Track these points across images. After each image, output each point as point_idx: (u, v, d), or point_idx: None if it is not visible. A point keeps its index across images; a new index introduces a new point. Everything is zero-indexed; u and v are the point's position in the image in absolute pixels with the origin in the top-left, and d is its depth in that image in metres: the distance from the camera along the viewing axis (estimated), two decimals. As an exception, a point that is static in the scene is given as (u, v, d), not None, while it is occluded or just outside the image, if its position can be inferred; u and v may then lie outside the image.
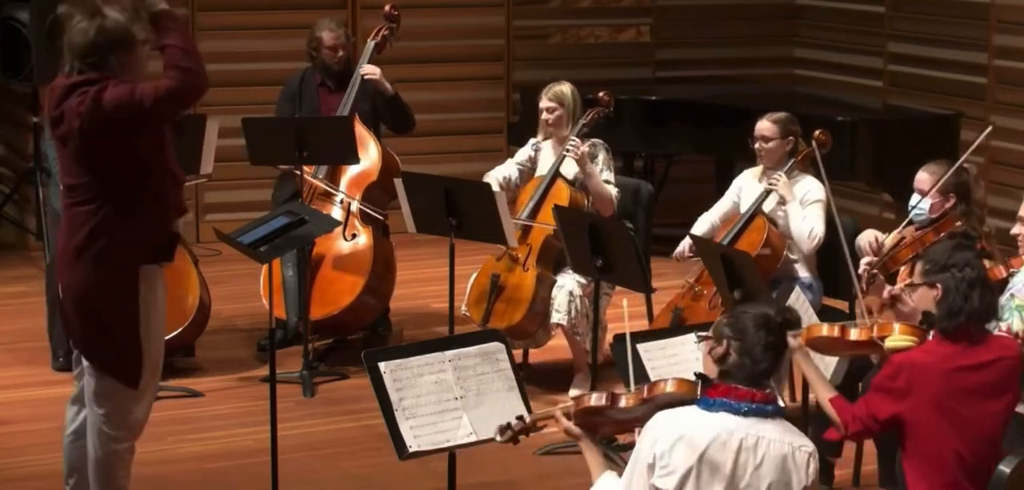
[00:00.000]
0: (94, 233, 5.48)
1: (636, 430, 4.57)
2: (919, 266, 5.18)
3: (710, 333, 4.50)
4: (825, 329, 5.34)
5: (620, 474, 4.50)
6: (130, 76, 5.44)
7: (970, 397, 4.98)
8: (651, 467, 4.34)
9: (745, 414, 4.36)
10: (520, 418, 4.80)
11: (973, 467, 4.99)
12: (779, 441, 4.37)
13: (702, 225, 7.56)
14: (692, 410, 4.40)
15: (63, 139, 5.50)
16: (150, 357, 5.63)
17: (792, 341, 5.27)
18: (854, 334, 5.29)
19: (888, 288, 5.97)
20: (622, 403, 4.63)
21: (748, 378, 4.38)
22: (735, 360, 4.39)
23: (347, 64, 8.41)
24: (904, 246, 6.28)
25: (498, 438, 4.81)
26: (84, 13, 5.42)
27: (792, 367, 6.66)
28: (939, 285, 5.05)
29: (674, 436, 4.33)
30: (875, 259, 6.33)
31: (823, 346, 5.40)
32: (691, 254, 7.41)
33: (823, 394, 5.16)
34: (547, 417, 4.79)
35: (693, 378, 4.51)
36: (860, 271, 6.30)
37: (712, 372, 4.45)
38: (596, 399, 4.67)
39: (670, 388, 4.52)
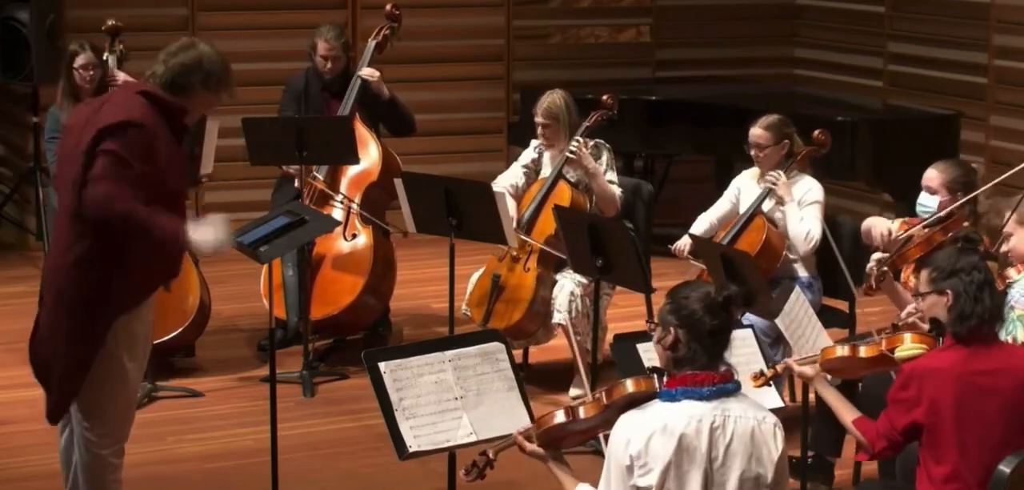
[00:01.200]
0: (77, 264, 5.48)
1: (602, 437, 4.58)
2: (925, 274, 5.14)
3: (656, 321, 4.51)
4: (838, 351, 5.37)
5: (596, 482, 4.50)
6: (188, 105, 5.54)
7: (984, 402, 4.95)
8: (629, 469, 4.35)
9: (708, 397, 4.38)
10: (483, 454, 4.81)
11: (986, 479, 4.97)
12: (744, 417, 4.40)
13: (701, 225, 7.56)
14: (656, 405, 4.41)
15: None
16: (129, 387, 5.65)
17: (809, 370, 5.29)
18: (864, 351, 5.31)
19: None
20: (582, 413, 4.61)
21: (703, 363, 4.41)
22: (686, 350, 4.41)
23: (341, 75, 8.35)
24: (913, 245, 6.26)
25: (464, 477, 4.82)
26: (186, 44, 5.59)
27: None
28: (949, 291, 5.03)
29: (647, 433, 4.34)
30: (885, 256, 6.31)
31: (838, 368, 5.42)
32: (690, 254, 7.42)
33: (846, 417, 5.19)
34: (510, 445, 4.79)
35: (649, 374, 4.51)
36: (869, 268, 6.28)
37: (664, 360, 4.47)
38: (558, 417, 4.65)
39: (629, 388, 4.50)
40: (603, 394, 4.57)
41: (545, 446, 4.68)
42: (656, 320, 4.50)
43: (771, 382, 5.29)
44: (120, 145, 5.34)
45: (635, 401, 4.46)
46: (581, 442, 4.97)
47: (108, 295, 5.48)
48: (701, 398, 4.37)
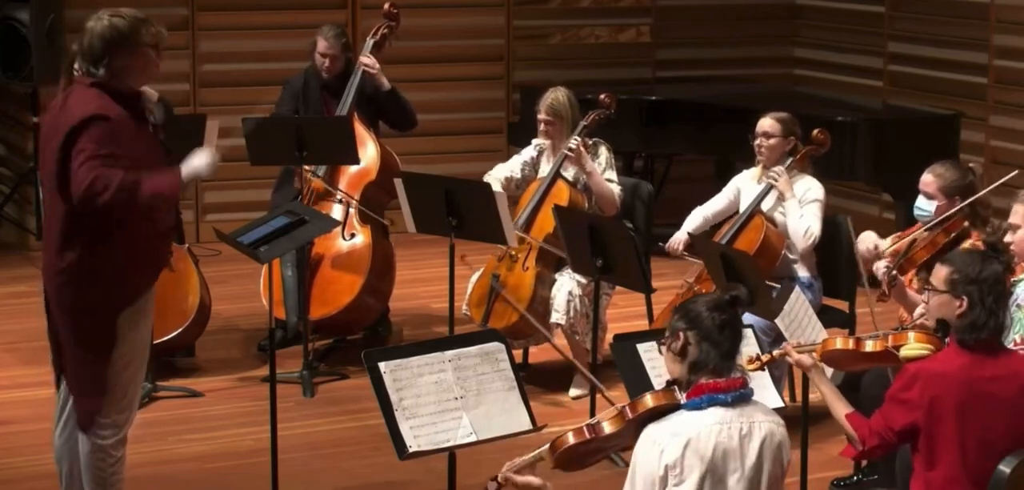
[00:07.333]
0: (70, 270, 5.50)
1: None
2: (942, 272, 5.03)
3: (666, 333, 4.51)
4: (840, 342, 5.31)
5: None
6: (130, 78, 5.48)
7: (987, 409, 4.93)
8: (662, 479, 4.35)
9: (732, 404, 4.40)
10: (494, 479, 4.68)
11: (985, 484, 4.96)
12: (765, 422, 4.46)
13: (695, 219, 7.58)
14: (683, 414, 4.41)
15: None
16: (129, 374, 5.64)
17: (807, 358, 5.27)
18: (869, 346, 5.25)
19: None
20: (607, 429, 4.54)
21: (716, 365, 4.41)
22: (696, 351, 4.43)
23: (339, 76, 8.32)
24: (919, 248, 6.27)
25: None
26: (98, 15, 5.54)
27: (792, 369, 6.66)
28: (965, 297, 4.96)
29: (681, 442, 4.34)
30: (891, 262, 6.29)
31: (838, 360, 5.38)
32: (684, 251, 7.42)
33: (839, 410, 5.14)
34: (524, 465, 4.64)
35: (668, 386, 4.49)
36: (880, 273, 6.28)
37: (678, 370, 4.47)
38: (575, 437, 4.57)
39: (650, 402, 4.47)
40: (627, 408, 4.51)
41: (562, 466, 4.63)
42: (666, 333, 4.50)
43: (766, 367, 5.27)
44: (89, 137, 5.37)
45: (656, 414, 4.45)
46: (598, 461, 4.88)
47: (107, 296, 5.49)
48: (726, 405, 4.39)
